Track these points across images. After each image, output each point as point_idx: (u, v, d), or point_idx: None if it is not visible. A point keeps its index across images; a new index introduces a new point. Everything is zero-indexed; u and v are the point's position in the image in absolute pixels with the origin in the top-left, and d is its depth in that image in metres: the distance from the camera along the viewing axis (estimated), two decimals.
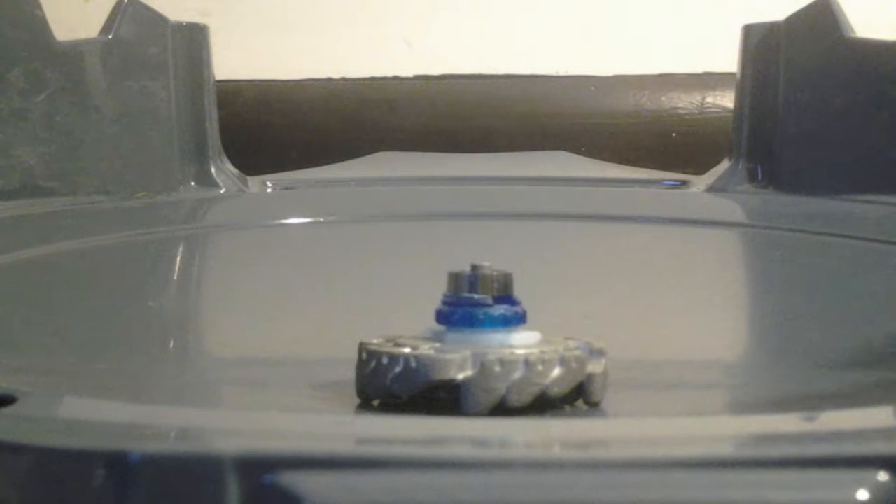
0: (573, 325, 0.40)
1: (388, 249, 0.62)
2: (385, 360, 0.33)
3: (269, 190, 0.72)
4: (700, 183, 0.72)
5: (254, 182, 0.72)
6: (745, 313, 0.53)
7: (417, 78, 0.94)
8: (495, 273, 0.34)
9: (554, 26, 0.95)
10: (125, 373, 0.40)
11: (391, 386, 0.33)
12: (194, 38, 0.72)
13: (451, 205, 0.68)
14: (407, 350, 0.33)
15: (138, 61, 0.69)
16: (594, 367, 0.34)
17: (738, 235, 0.66)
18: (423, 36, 0.95)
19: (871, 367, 0.41)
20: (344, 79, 0.94)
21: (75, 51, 0.67)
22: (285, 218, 0.67)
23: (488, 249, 0.57)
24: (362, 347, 0.34)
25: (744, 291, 0.57)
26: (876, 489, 0.26)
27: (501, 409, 0.32)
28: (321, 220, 0.66)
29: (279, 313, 0.48)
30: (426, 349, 0.33)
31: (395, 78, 0.94)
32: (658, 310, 0.50)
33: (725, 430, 0.31)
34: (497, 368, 0.32)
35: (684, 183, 0.73)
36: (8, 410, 0.30)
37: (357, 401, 0.34)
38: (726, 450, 0.29)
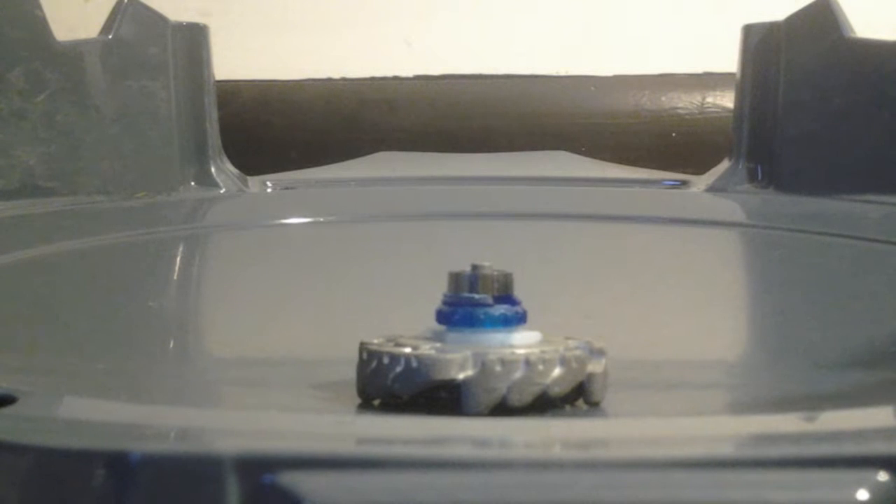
0: (573, 324, 0.40)
1: (388, 249, 0.62)
2: (386, 360, 0.33)
3: (269, 190, 0.72)
4: (700, 183, 0.72)
5: (254, 182, 0.72)
6: (745, 313, 0.53)
7: (417, 78, 0.94)
8: (496, 273, 0.34)
9: (554, 26, 0.95)
10: (125, 373, 0.40)
11: (392, 386, 0.33)
12: (194, 38, 0.72)
13: (451, 205, 0.68)
14: (408, 350, 0.33)
15: (138, 61, 0.69)
16: (594, 366, 0.34)
17: (738, 235, 0.66)
18: (423, 36, 0.95)
19: (871, 367, 0.41)
20: (344, 79, 0.94)
21: (75, 51, 0.67)
22: (285, 218, 0.67)
23: (488, 249, 0.57)
24: (363, 347, 0.34)
25: (744, 291, 0.57)
26: (876, 489, 0.26)
27: (502, 408, 0.32)
28: (321, 220, 0.66)
29: (279, 313, 0.48)
30: (427, 349, 0.33)
31: (395, 78, 0.94)
32: (658, 310, 0.50)
33: (725, 430, 0.31)
34: (498, 368, 0.32)
35: (684, 183, 0.73)
36: (8, 410, 0.30)
37: (358, 401, 0.34)
38: (726, 450, 0.29)
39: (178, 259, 0.62)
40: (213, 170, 0.71)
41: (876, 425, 0.31)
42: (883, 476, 0.26)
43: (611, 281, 0.55)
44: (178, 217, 0.68)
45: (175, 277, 0.58)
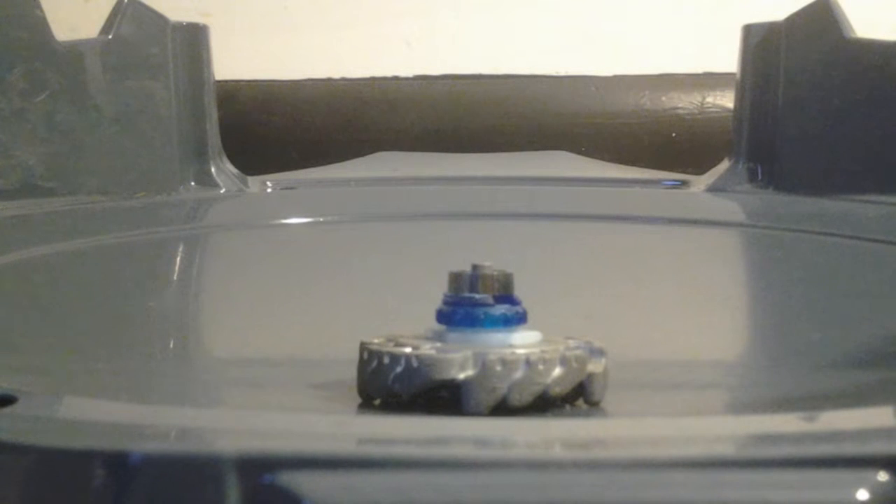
0: (573, 324, 0.40)
1: (389, 249, 0.62)
2: (386, 360, 0.33)
3: (269, 190, 0.72)
4: (700, 183, 0.72)
5: (254, 182, 0.73)
6: (746, 313, 0.53)
7: (417, 78, 0.94)
8: (496, 273, 0.34)
9: (554, 26, 0.95)
10: (125, 373, 0.40)
11: (392, 385, 0.33)
12: (194, 38, 0.72)
13: (452, 205, 0.68)
14: (408, 350, 0.33)
15: (138, 61, 0.69)
16: (595, 366, 0.34)
17: (738, 235, 0.66)
18: (423, 36, 0.95)
19: (871, 367, 0.41)
20: (344, 79, 0.94)
21: (75, 51, 0.67)
22: (285, 218, 0.67)
23: (489, 249, 0.57)
24: (363, 347, 0.34)
25: (744, 291, 0.57)
26: (876, 489, 0.26)
27: (502, 408, 0.32)
28: (321, 220, 0.66)
29: (279, 313, 0.48)
30: (427, 349, 0.33)
31: (395, 78, 0.94)
32: (658, 310, 0.50)
33: (725, 430, 0.31)
34: (498, 368, 0.32)
35: (684, 183, 0.73)
36: (8, 410, 0.30)
37: (358, 400, 0.34)
38: (726, 450, 0.29)
39: (178, 259, 0.62)
40: (213, 170, 0.71)
41: (876, 425, 0.31)
42: (883, 476, 0.26)
43: (611, 281, 0.55)
44: (178, 217, 0.68)
45: (175, 277, 0.58)
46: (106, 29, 0.69)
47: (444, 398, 0.33)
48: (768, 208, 0.68)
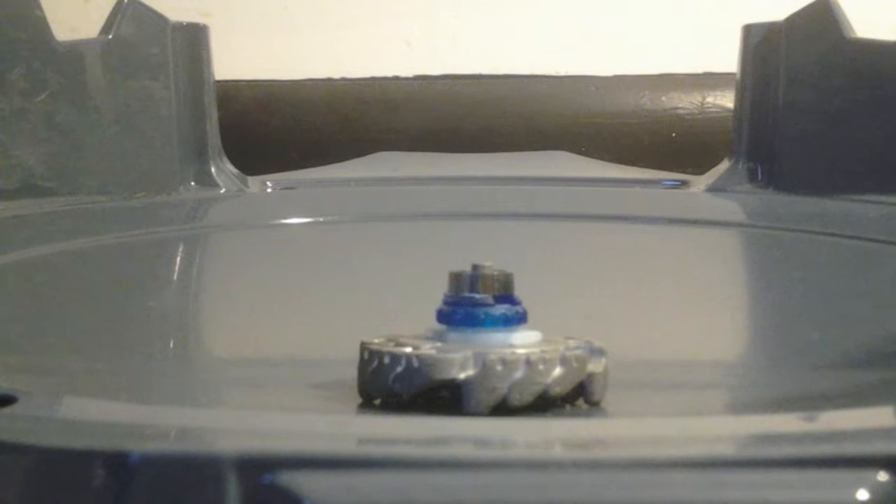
0: (573, 324, 0.40)
1: (389, 249, 0.62)
2: (387, 360, 0.33)
3: (269, 190, 0.72)
4: (700, 183, 0.72)
5: (254, 182, 0.73)
6: (745, 313, 0.53)
7: (417, 78, 0.94)
8: (496, 273, 0.34)
9: (554, 26, 0.95)
10: (125, 373, 0.40)
11: (393, 385, 0.33)
12: (194, 38, 0.72)
13: (452, 205, 0.68)
14: (409, 349, 0.33)
15: (138, 61, 0.69)
16: (595, 366, 0.34)
17: (738, 235, 0.66)
18: (423, 36, 0.95)
19: (871, 367, 0.41)
20: (344, 79, 0.94)
21: (75, 51, 0.67)
22: (285, 218, 0.67)
23: (489, 249, 0.57)
24: (364, 347, 0.34)
25: (744, 291, 0.57)
26: (876, 489, 0.26)
27: (503, 408, 0.32)
28: (321, 220, 0.66)
29: (279, 313, 0.48)
30: (428, 349, 0.33)
31: (395, 78, 0.94)
32: (658, 310, 0.50)
33: (725, 430, 0.31)
34: (499, 368, 0.32)
35: (684, 183, 0.73)
36: (8, 410, 0.30)
37: (358, 400, 0.34)
38: (726, 450, 0.29)
39: (178, 259, 0.62)
40: (213, 170, 0.71)
41: (876, 425, 0.31)
42: (883, 476, 0.26)
43: (611, 281, 0.55)
44: (178, 217, 0.68)
45: (175, 277, 0.58)
46: (106, 29, 0.69)
47: (445, 398, 0.33)
48: (768, 208, 0.68)
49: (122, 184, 0.68)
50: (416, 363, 0.32)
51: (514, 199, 0.70)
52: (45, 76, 0.65)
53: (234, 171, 0.73)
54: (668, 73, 0.92)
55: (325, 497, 0.26)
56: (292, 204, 0.70)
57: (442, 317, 0.34)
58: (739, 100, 0.73)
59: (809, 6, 0.70)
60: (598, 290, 0.53)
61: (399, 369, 0.33)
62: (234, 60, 0.90)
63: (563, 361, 0.33)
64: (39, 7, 0.65)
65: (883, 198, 0.65)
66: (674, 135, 0.90)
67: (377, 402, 0.34)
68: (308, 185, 0.75)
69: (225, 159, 0.73)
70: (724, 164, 0.73)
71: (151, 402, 0.36)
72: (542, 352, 0.33)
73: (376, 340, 0.34)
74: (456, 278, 0.34)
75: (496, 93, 0.93)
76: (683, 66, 0.93)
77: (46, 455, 0.28)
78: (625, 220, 0.66)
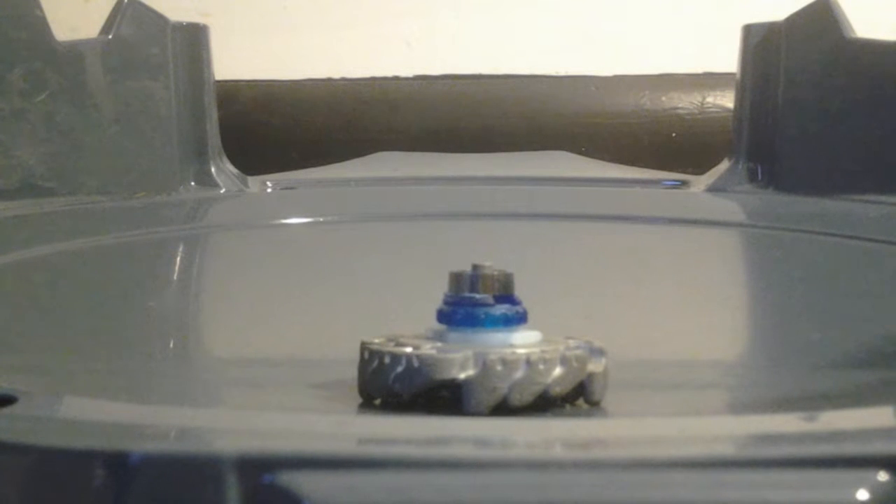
0: (573, 324, 0.40)
1: (389, 249, 0.62)
2: (387, 360, 0.33)
3: (269, 190, 0.72)
4: (700, 183, 0.72)
5: (254, 182, 0.73)
6: (745, 313, 0.53)
7: (417, 78, 0.94)
8: (496, 273, 0.34)
9: (554, 26, 0.95)
10: (125, 373, 0.40)
11: (393, 385, 0.33)
12: (194, 38, 0.72)
13: (452, 205, 0.68)
14: (409, 349, 0.33)
15: (138, 61, 0.69)
16: (595, 366, 0.34)
17: (738, 235, 0.66)
18: (423, 36, 0.95)
19: (871, 367, 0.41)
20: (344, 79, 0.94)
21: (75, 51, 0.67)
22: (285, 218, 0.67)
23: (489, 249, 0.57)
24: (364, 347, 0.34)
25: (744, 291, 0.57)
26: (876, 489, 0.26)
27: (503, 408, 0.32)
28: (321, 220, 0.66)
29: (280, 313, 0.48)
30: (428, 348, 0.33)
31: (395, 78, 0.94)
32: (658, 310, 0.50)
33: (725, 430, 0.31)
34: (499, 368, 0.32)
35: (684, 183, 0.73)
36: (8, 410, 0.30)
37: (358, 400, 0.34)
38: (726, 450, 0.29)
39: (178, 259, 0.62)
40: (213, 170, 0.71)
41: (876, 425, 0.31)
42: (883, 476, 0.26)
43: (611, 281, 0.55)
44: (178, 217, 0.68)
45: (175, 277, 0.58)
46: (106, 29, 0.69)
47: (445, 398, 0.33)
48: (768, 208, 0.68)
49: (122, 184, 0.68)
50: (416, 363, 0.32)
51: (514, 199, 0.70)
52: (45, 76, 0.65)
53: (234, 171, 0.73)
54: (668, 73, 0.92)
55: (325, 497, 0.26)
56: (292, 204, 0.70)
57: (442, 317, 0.34)
58: (739, 100, 0.73)
59: (809, 6, 0.70)
60: (598, 290, 0.53)
61: (399, 369, 0.33)
62: (234, 60, 0.90)
63: (564, 361, 0.33)
64: (39, 7, 0.65)
65: (883, 198, 0.65)
66: (674, 135, 0.90)
67: (377, 402, 0.34)
68: (308, 185, 0.75)
69: (225, 159, 0.73)
70: (724, 164, 0.73)
71: (151, 402, 0.36)
72: (543, 352, 0.33)
73: (376, 340, 0.34)
74: (456, 278, 0.34)
75: (496, 93, 0.93)
76: (683, 66, 0.93)
77: (46, 455, 0.28)
78: (625, 220, 0.66)
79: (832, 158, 0.68)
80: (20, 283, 0.52)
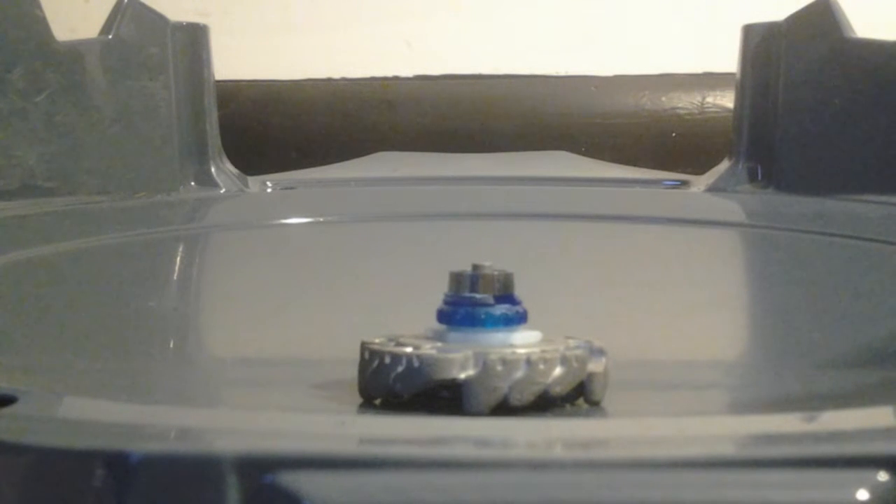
0: (574, 324, 0.40)
1: (389, 249, 0.62)
2: (387, 360, 0.33)
3: (269, 190, 0.72)
4: (700, 183, 0.72)
5: (254, 182, 0.73)
6: (746, 313, 0.53)
7: (417, 78, 0.94)
8: (496, 273, 0.34)
9: (554, 26, 0.95)
10: (125, 373, 0.40)
11: (394, 385, 0.33)
12: (194, 38, 0.72)
13: (451, 205, 0.68)
14: (409, 349, 0.33)
15: (138, 61, 0.69)
16: (595, 366, 0.34)
17: (738, 235, 0.66)
18: (423, 36, 0.95)
19: (871, 367, 0.41)
20: (344, 79, 0.94)
21: (75, 51, 0.67)
22: (285, 218, 0.67)
23: (489, 249, 0.57)
24: (364, 347, 0.34)
25: (744, 291, 0.57)
26: (876, 489, 0.26)
27: (503, 408, 0.32)
28: (321, 220, 0.66)
29: (280, 313, 0.48)
30: (428, 348, 0.33)
31: (395, 78, 0.94)
32: (658, 310, 0.49)
33: (725, 430, 0.31)
34: (499, 367, 0.32)
35: (684, 183, 0.73)
36: (8, 410, 0.30)
37: (359, 400, 0.34)
38: (726, 450, 0.29)
39: (178, 259, 0.62)
40: (213, 170, 0.71)
41: (876, 425, 0.31)
42: (883, 476, 0.26)
43: (611, 281, 0.55)
44: (178, 217, 0.68)
45: (175, 277, 0.58)
46: (106, 29, 0.69)
47: (445, 398, 0.33)
48: (768, 208, 0.68)
49: (122, 184, 0.68)
50: (416, 363, 0.32)
51: (514, 199, 0.70)
52: (45, 76, 0.65)
53: (234, 171, 0.73)
54: (668, 73, 0.93)
55: (325, 497, 0.26)
56: (292, 204, 0.70)
57: (442, 317, 0.34)
58: (739, 100, 0.73)
59: (809, 6, 0.70)
60: (598, 289, 0.53)
61: (400, 369, 0.33)
62: (234, 60, 0.90)
63: (564, 361, 0.33)
64: (39, 7, 0.65)
65: (883, 198, 0.65)
66: (674, 135, 0.90)
67: (378, 402, 0.34)
68: (308, 185, 0.75)
69: (225, 159, 0.73)
70: (724, 164, 0.73)
71: (151, 402, 0.36)
72: (543, 352, 0.33)
73: (377, 340, 0.34)
74: (456, 278, 0.34)
75: (496, 93, 0.93)
76: (683, 66, 0.93)
77: (46, 455, 0.28)
78: (625, 220, 0.66)
79: (832, 158, 0.68)
80: (20, 283, 0.52)
